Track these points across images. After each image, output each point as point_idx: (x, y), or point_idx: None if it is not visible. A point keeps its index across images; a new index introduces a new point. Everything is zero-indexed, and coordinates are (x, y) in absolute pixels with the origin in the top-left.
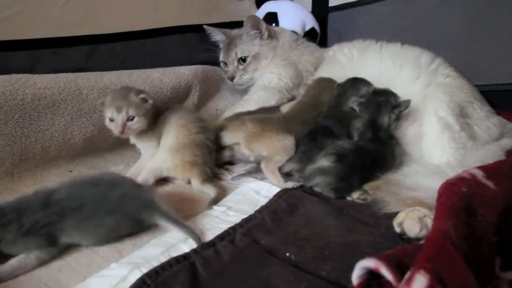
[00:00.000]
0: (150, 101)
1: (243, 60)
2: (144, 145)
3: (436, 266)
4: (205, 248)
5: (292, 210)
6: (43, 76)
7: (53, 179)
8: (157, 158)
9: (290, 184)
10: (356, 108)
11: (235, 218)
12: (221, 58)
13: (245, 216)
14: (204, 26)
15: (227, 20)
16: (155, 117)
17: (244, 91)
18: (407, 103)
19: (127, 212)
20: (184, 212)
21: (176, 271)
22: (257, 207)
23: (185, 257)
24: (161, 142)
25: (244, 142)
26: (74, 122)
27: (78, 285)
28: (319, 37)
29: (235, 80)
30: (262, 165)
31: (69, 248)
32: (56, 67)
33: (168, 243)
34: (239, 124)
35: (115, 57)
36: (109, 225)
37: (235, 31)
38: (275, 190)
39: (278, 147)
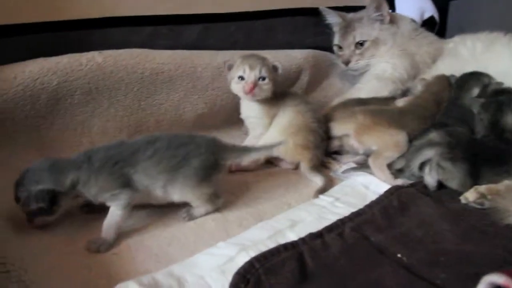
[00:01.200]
0: (280, 71)
1: (361, 44)
2: (255, 122)
3: None
4: (313, 238)
5: (404, 209)
6: (162, 52)
7: None
8: (267, 138)
9: (400, 181)
10: (475, 110)
11: (343, 210)
12: (335, 41)
13: (353, 209)
14: (320, 8)
15: (341, 5)
16: (273, 97)
17: (354, 79)
18: None
19: (201, 142)
20: (289, 199)
21: (284, 259)
22: (366, 202)
23: (293, 245)
24: (273, 123)
25: (353, 134)
26: (187, 98)
27: (186, 260)
28: (437, 26)
29: (351, 65)
30: (370, 160)
31: (177, 223)
32: (172, 44)
33: (275, 228)
34: (349, 116)
35: (228, 36)
36: (183, 157)
37: (352, 14)
38: (385, 186)
39: (389, 142)
